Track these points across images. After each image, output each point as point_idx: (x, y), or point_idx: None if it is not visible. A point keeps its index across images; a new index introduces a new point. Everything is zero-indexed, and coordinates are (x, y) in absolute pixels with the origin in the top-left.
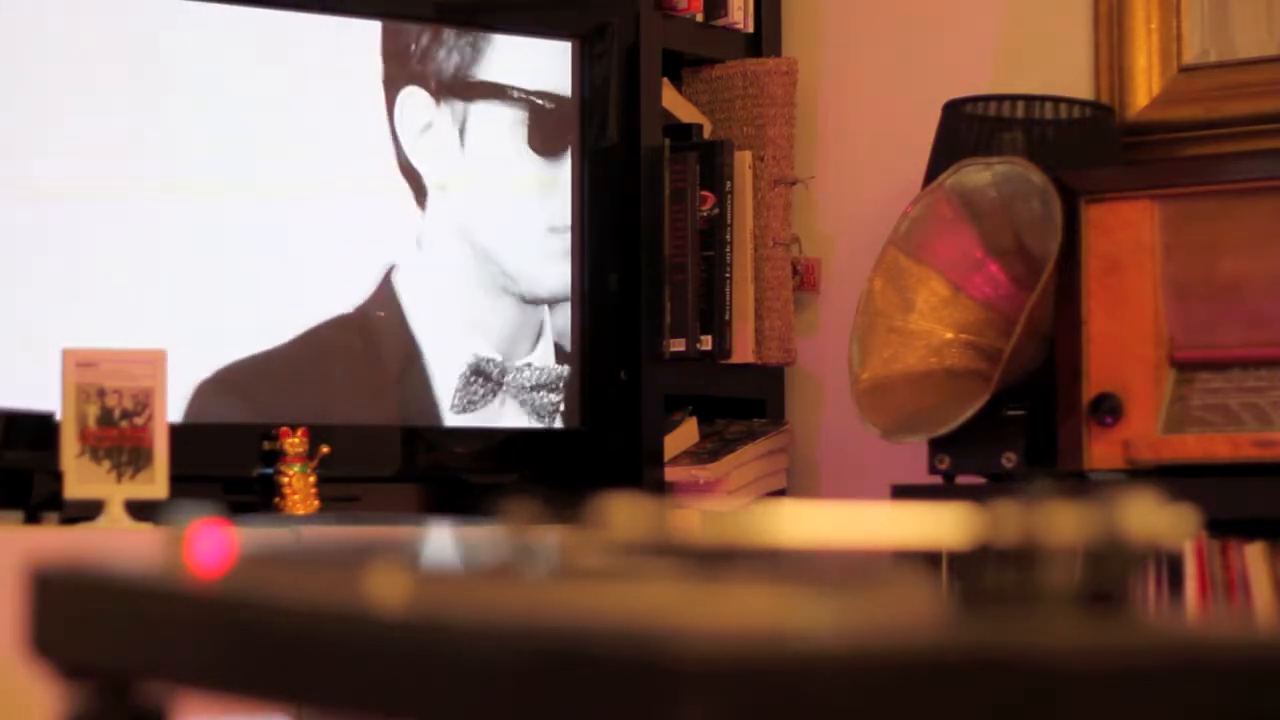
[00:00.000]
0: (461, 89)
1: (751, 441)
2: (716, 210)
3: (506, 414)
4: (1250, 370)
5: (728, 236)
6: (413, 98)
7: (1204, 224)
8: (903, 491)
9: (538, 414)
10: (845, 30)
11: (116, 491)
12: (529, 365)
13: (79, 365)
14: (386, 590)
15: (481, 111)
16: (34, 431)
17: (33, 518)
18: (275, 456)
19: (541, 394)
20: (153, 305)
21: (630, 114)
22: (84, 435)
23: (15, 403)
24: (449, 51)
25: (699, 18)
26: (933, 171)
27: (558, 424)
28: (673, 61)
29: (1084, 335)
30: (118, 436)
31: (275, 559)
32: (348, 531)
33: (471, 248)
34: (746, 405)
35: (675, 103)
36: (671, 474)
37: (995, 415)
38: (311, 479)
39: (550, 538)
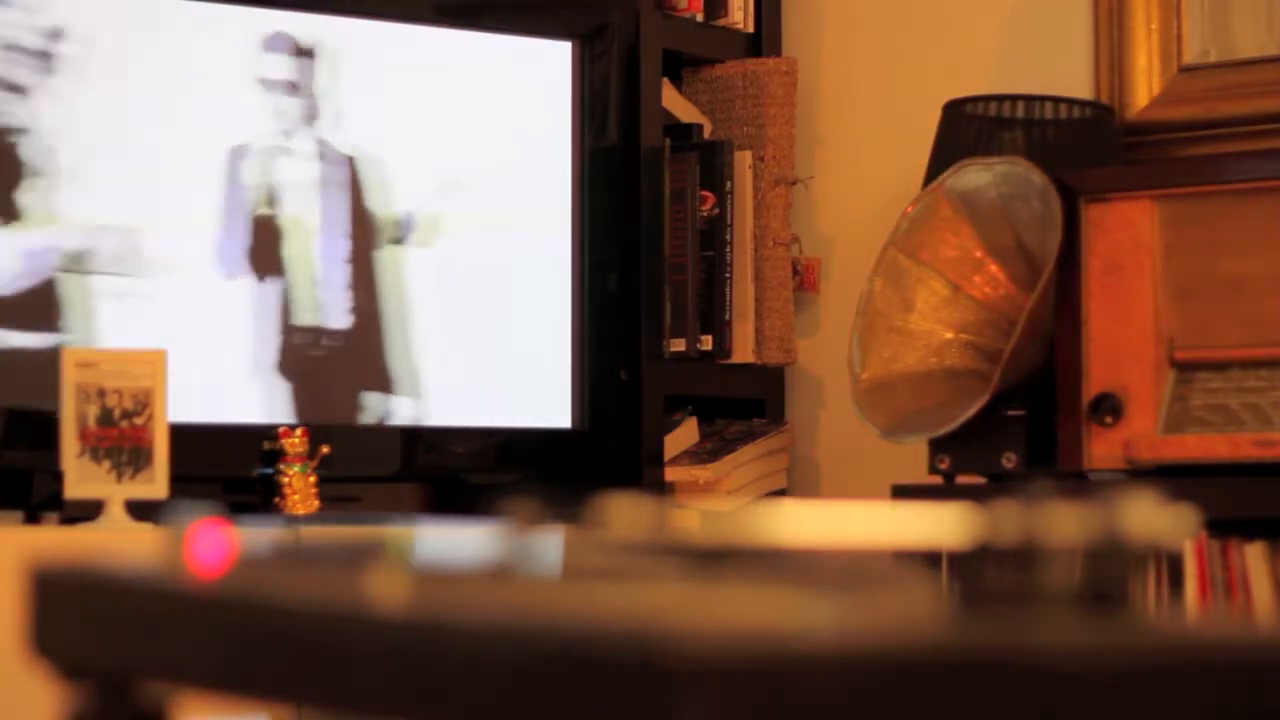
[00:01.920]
0: (461, 89)
1: (751, 441)
2: (716, 210)
3: (506, 414)
4: (1250, 370)
5: (728, 236)
6: (411, 97)
7: (1204, 224)
8: (903, 491)
9: (538, 414)
10: (845, 30)
11: (116, 491)
12: (529, 364)
13: (79, 365)
14: (386, 590)
15: (481, 111)
16: (34, 431)
17: (33, 518)
18: (275, 456)
19: (541, 394)
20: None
21: (630, 114)
22: (84, 435)
23: (15, 403)
24: (448, 51)
25: (699, 18)
26: (933, 171)
27: (558, 424)
28: (673, 61)
29: (1084, 335)
30: (118, 436)
31: (275, 559)
32: (348, 531)
33: (471, 246)
34: (746, 405)
35: (675, 103)
36: (671, 474)
37: (995, 415)
38: (311, 479)
39: (550, 538)
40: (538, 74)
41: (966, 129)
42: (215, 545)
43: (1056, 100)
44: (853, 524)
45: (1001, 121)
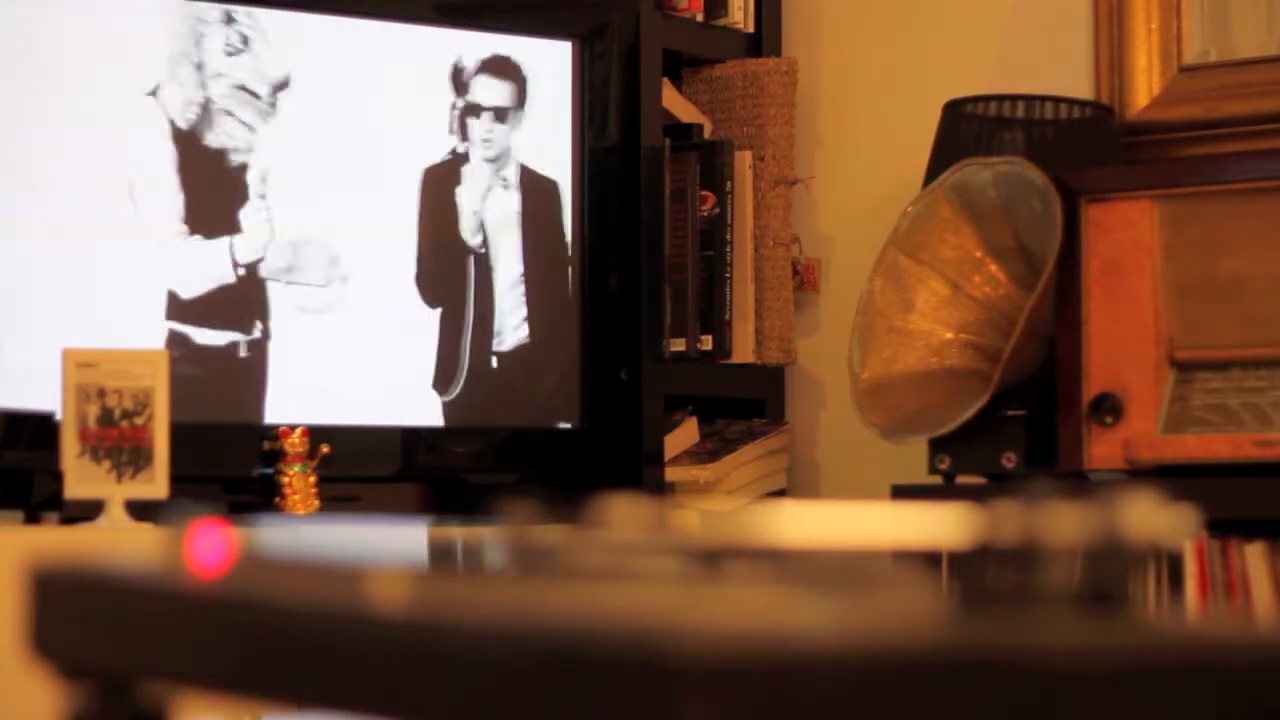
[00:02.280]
0: (462, 88)
1: (751, 441)
2: (716, 210)
3: (506, 414)
4: (1250, 370)
5: (728, 236)
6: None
7: (1204, 224)
8: (903, 491)
9: (538, 414)
10: (845, 30)
11: (116, 491)
12: (530, 365)
13: (79, 365)
14: (386, 590)
15: (481, 110)
16: (34, 431)
17: (33, 518)
18: (275, 456)
19: (541, 393)
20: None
21: (630, 114)
22: (84, 435)
23: (15, 403)
24: (449, 51)
25: (699, 18)
26: (933, 171)
27: (558, 424)
28: (673, 61)
29: (1084, 335)
30: (118, 436)
31: (275, 559)
32: (348, 531)
33: (472, 244)
34: (746, 405)
35: (675, 103)
36: (671, 474)
37: (995, 415)
38: (311, 479)
39: (550, 538)
40: (537, 74)
41: (966, 129)
42: (215, 545)
43: (1056, 100)
44: (853, 524)
45: (1001, 121)
